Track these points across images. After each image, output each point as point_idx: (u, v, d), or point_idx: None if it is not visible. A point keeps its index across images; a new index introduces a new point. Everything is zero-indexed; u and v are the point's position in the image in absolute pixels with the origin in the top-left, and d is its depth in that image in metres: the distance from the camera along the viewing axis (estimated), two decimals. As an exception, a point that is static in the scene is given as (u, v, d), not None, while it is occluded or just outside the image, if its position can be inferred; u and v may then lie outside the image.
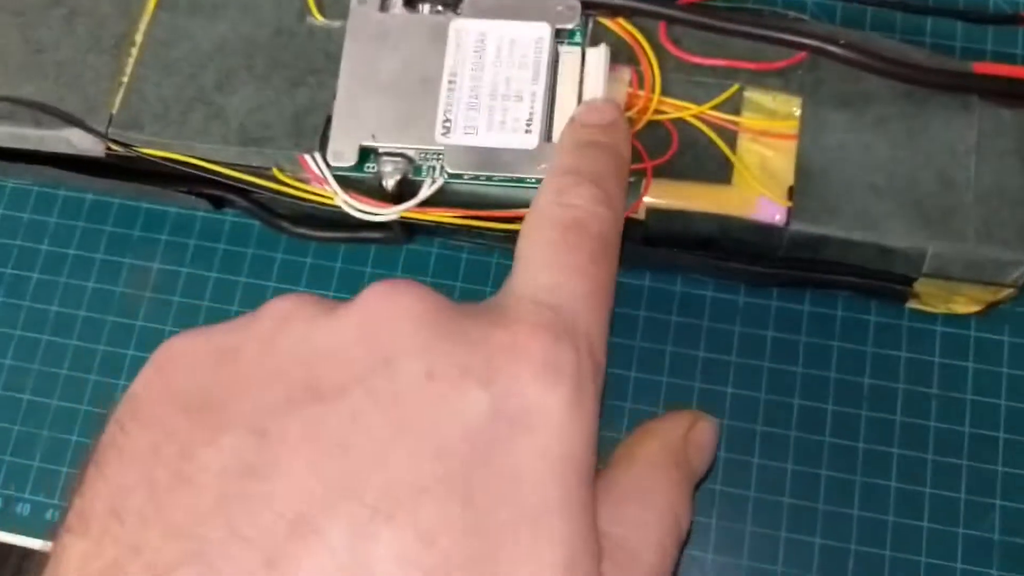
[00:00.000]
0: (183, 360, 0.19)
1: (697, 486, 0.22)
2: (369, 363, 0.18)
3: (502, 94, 0.29)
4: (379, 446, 0.17)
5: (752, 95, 0.30)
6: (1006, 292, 0.30)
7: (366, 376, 0.17)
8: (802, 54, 0.30)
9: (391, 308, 0.18)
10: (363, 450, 0.17)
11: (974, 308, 0.31)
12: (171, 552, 0.16)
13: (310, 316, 0.19)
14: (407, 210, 0.30)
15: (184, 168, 0.31)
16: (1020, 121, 0.30)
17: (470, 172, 0.29)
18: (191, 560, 0.16)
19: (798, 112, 0.30)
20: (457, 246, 0.34)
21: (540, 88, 0.29)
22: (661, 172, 0.30)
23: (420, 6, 0.31)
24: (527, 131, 0.29)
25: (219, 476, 0.17)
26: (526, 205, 0.29)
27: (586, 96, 0.29)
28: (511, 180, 0.29)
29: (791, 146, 0.30)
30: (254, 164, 0.31)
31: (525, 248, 0.21)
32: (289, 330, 0.19)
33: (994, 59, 0.35)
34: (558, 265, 0.20)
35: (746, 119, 0.30)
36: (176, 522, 0.16)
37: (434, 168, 0.30)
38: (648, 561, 0.20)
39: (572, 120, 0.26)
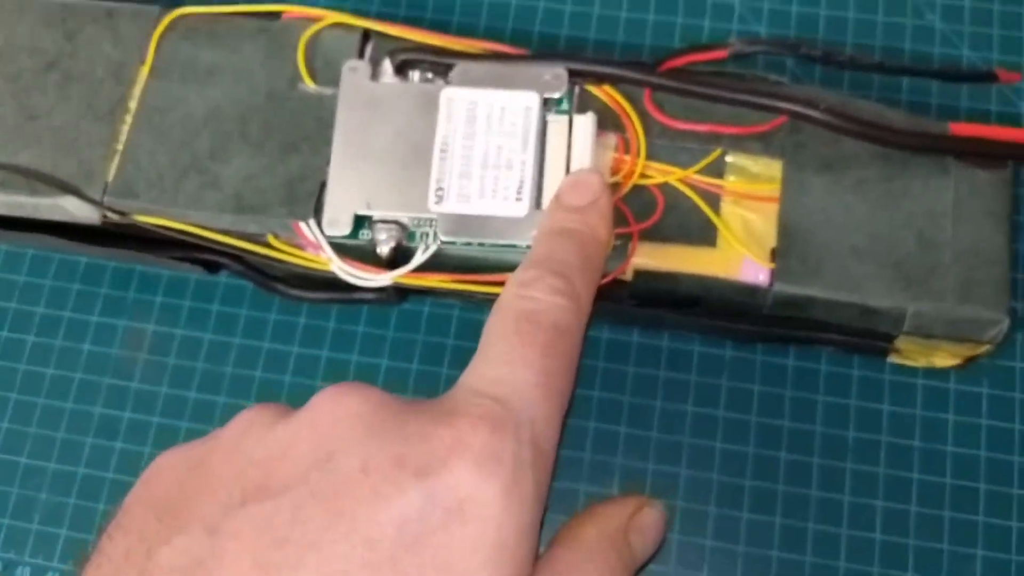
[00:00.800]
0: (164, 472, 0.21)
1: (639, 570, 0.23)
2: (312, 460, 0.19)
3: (493, 162, 0.30)
4: (314, 536, 0.18)
5: (735, 159, 0.31)
6: (984, 348, 0.31)
7: (309, 472, 0.19)
8: (783, 118, 0.31)
9: (337, 409, 0.20)
10: (300, 541, 0.18)
11: (954, 362, 0.32)
12: None
13: (269, 422, 0.21)
14: (401, 276, 0.30)
15: (179, 235, 0.31)
16: (995, 181, 0.31)
17: (462, 239, 0.30)
18: None
19: (779, 175, 0.31)
20: (449, 304, 0.35)
21: (529, 156, 0.30)
22: (647, 235, 0.31)
23: (410, 74, 0.32)
24: (517, 199, 0.30)
25: (171, 573, 0.19)
26: (516, 268, 0.31)
27: (574, 164, 0.30)
28: (502, 246, 0.30)
29: (773, 208, 0.31)
30: (249, 231, 0.31)
31: (483, 340, 0.23)
32: (250, 436, 0.21)
33: (969, 115, 0.36)
34: (507, 357, 0.22)
35: (729, 182, 0.31)
36: None
37: (427, 234, 0.30)
38: None
39: (555, 198, 0.27)
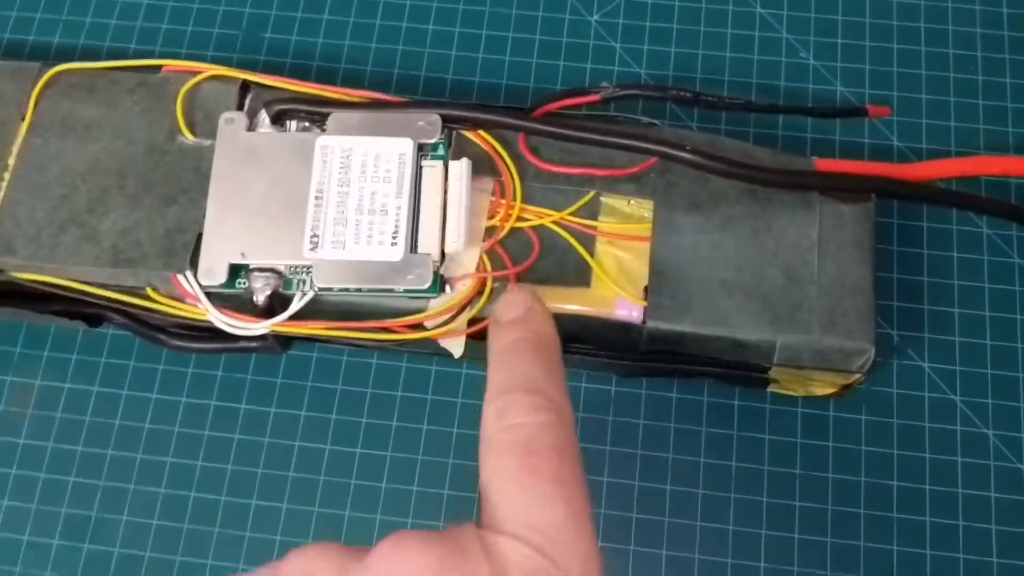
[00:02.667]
0: None
1: None
2: None
3: (368, 208, 0.31)
4: None
5: (608, 200, 0.32)
6: (855, 377, 0.32)
7: None
8: (653, 160, 0.32)
9: (393, 559, 0.20)
10: None
11: (831, 390, 0.33)
12: None
13: (334, 569, 0.21)
14: (278, 324, 0.31)
15: (58, 290, 0.31)
16: (858, 214, 0.32)
17: (339, 285, 0.30)
18: None
19: (651, 215, 0.32)
20: (337, 350, 0.35)
21: (404, 201, 0.31)
22: (525, 276, 0.31)
23: (288, 124, 0.32)
24: (393, 243, 0.30)
25: None
26: (396, 313, 0.31)
27: (451, 208, 0.31)
28: (380, 290, 0.30)
29: (645, 248, 0.31)
30: (127, 284, 0.31)
31: (490, 484, 0.22)
32: None
33: (843, 148, 0.37)
34: (528, 499, 0.22)
35: (602, 223, 0.32)
36: None
37: (304, 281, 0.31)
38: None
39: (494, 321, 0.27)
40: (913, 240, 0.36)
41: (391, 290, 0.30)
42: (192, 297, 0.31)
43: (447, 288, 0.31)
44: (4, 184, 0.32)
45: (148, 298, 0.31)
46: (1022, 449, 0.34)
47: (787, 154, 0.34)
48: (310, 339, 0.32)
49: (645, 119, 0.33)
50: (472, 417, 0.34)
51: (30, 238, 0.32)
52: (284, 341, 0.33)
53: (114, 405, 0.35)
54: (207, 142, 0.33)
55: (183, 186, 0.32)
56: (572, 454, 0.23)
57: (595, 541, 0.22)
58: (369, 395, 0.34)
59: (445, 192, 0.31)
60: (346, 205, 0.31)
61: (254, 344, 0.33)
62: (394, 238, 0.30)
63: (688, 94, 0.34)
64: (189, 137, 0.33)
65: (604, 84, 0.33)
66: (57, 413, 0.34)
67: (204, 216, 0.31)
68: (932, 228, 0.36)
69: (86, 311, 0.33)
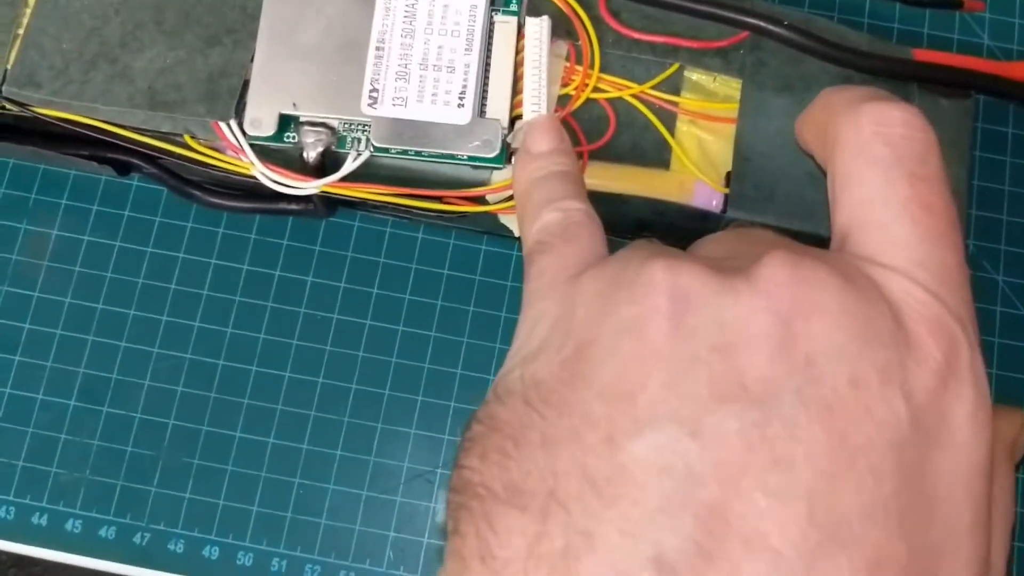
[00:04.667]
0: (595, 343, 0.18)
1: None
2: (789, 362, 0.16)
3: (433, 64, 0.28)
4: (822, 465, 0.16)
5: (692, 75, 0.29)
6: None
7: (789, 378, 0.16)
8: (744, 34, 0.29)
9: (797, 289, 0.17)
10: (807, 469, 0.16)
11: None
12: (630, 553, 0.16)
13: (712, 294, 0.17)
14: (330, 184, 0.28)
15: (86, 131, 0.29)
16: (957, 110, 0.30)
17: (398, 146, 0.28)
18: (655, 568, 0.15)
19: (738, 95, 0.29)
20: (381, 220, 0.32)
21: (474, 59, 0.28)
22: (598, 154, 0.29)
23: (347, -36, 0.29)
24: (460, 105, 0.28)
25: (659, 475, 0.16)
26: (455, 183, 0.29)
27: (528, 72, 0.28)
28: (441, 156, 0.28)
29: (730, 130, 0.29)
30: (163, 130, 0.29)
31: (870, 203, 0.19)
32: (695, 310, 0.17)
33: (930, 43, 0.35)
34: (921, 234, 0.18)
35: (685, 100, 0.29)
36: (630, 520, 0.16)
37: (359, 140, 0.28)
38: (998, 565, 0.19)
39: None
40: (997, 146, 0.34)
41: (454, 156, 0.28)
42: (235, 148, 0.28)
43: (513, 159, 0.28)
44: (28, 10, 0.29)
45: (185, 146, 0.29)
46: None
47: (883, 41, 0.31)
48: (359, 205, 0.30)
49: (733, -10, 0.30)
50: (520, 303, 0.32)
51: (57, 72, 0.29)
52: (330, 205, 0.30)
53: (138, 262, 0.32)
54: (255, -20, 0.29)
55: (228, 26, 0.29)
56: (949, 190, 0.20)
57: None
58: (414, 271, 0.32)
59: (517, 52, 0.28)
60: (410, 58, 0.28)
61: (296, 206, 0.30)
62: (461, 99, 0.28)
63: (784, -36, 0.31)
64: (235, -28, 0.29)
65: (694, -52, 0.30)
66: (75, 267, 0.32)
67: (251, 60, 0.28)
68: (1017, 135, 0.34)
69: (115, 156, 0.30)
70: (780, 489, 0.16)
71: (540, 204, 0.23)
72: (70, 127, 0.29)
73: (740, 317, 0.17)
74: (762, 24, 0.29)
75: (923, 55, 0.30)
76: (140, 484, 0.31)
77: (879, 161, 0.19)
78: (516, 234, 0.29)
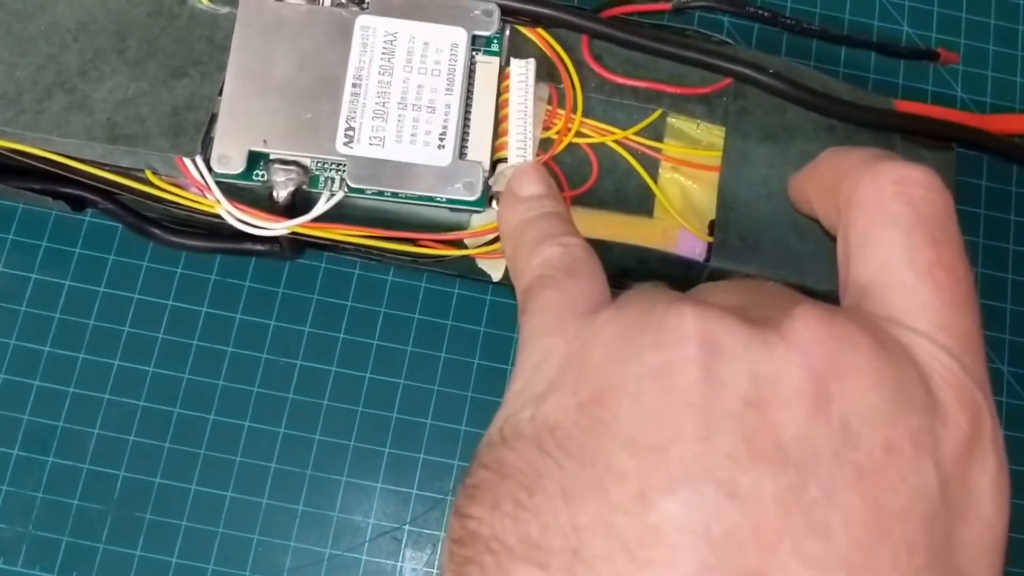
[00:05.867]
0: (621, 385, 0.17)
1: None
2: (826, 424, 0.16)
3: (413, 103, 0.27)
4: (859, 535, 0.15)
5: (675, 121, 0.29)
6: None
7: (827, 440, 0.16)
8: (727, 81, 0.29)
9: (832, 346, 0.16)
10: (844, 538, 0.15)
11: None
12: None
13: (743, 346, 0.16)
14: (301, 225, 0.27)
15: (40, 164, 0.27)
16: (939, 162, 0.30)
17: (374, 187, 0.26)
18: None
19: (721, 142, 0.29)
20: (349, 262, 0.31)
21: (455, 100, 0.27)
22: (581, 200, 0.28)
23: (322, -4, 0.28)
24: (440, 146, 0.26)
25: (694, 538, 0.15)
26: (432, 226, 0.27)
27: (513, 114, 0.27)
28: (419, 198, 0.27)
29: (713, 177, 0.28)
30: (123, 164, 0.27)
31: (892, 266, 0.18)
32: (727, 361, 0.16)
33: (905, 93, 0.35)
34: (946, 299, 0.18)
35: (669, 146, 0.29)
36: None
37: (333, 180, 0.27)
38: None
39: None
40: (971, 198, 0.34)
41: (433, 199, 0.27)
42: (199, 186, 0.27)
43: (493, 203, 0.27)
44: (-21, 34, 0.28)
45: (146, 182, 0.27)
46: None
47: (866, 91, 0.31)
48: (328, 247, 0.28)
49: (716, 36, 0.30)
50: (495, 350, 0.31)
51: (9, 100, 0.27)
52: (297, 246, 0.29)
53: (89, 302, 0.30)
54: (224, 9, 0.28)
55: (195, 57, 0.28)
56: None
57: None
58: (383, 315, 0.31)
59: (499, 93, 0.27)
60: (388, 97, 0.27)
61: (261, 247, 0.29)
62: (441, 140, 0.27)
63: (765, 13, 0.31)
64: (203, 2, 0.28)
65: (677, -8, 0.30)
66: (21, 307, 0.30)
67: (218, 94, 0.27)
68: (991, 188, 0.34)
69: (70, 191, 0.29)
70: (818, 558, 0.15)
71: (538, 240, 0.22)
72: (23, 159, 0.27)
73: (774, 371, 0.16)
74: (746, 72, 0.28)
75: (905, 106, 0.30)
76: (87, 540, 0.29)
77: (900, 221, 0.19)
78: (496, 278, 0.28)
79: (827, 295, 0.28)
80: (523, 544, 0.16)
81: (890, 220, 0.19)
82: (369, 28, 0.27)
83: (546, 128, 0.28)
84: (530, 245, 0.22)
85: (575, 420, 0.17)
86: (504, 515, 0.16)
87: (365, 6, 0.28)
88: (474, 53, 0.28)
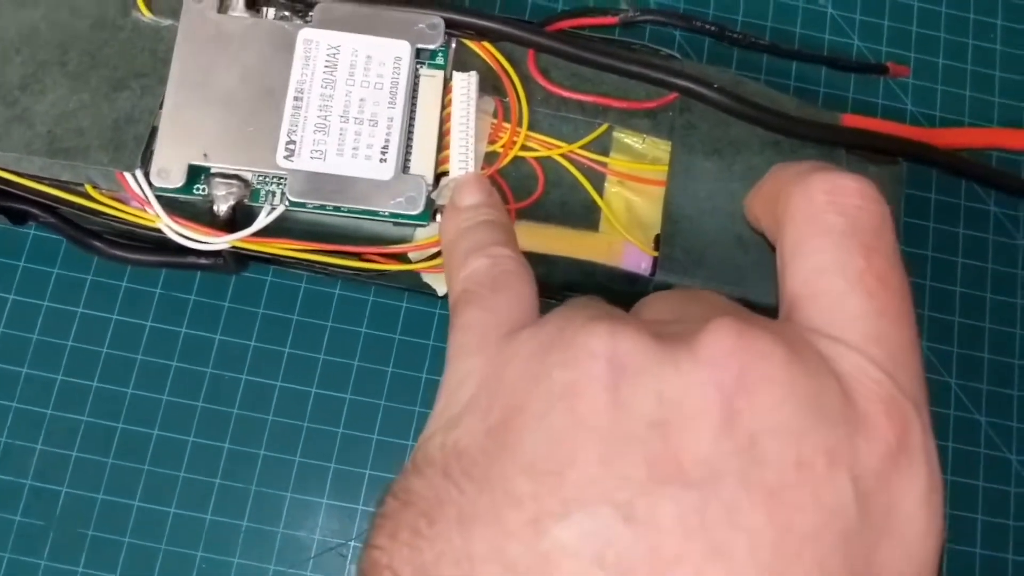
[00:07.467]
0: (520, 416, 0.16)
1: None
2: (732, 442, 0.15)
3: (355, 117, 0.27)
4: (765, 557, 0.15)
5: (621, 136, 0.29)
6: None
7: (733, 459, 0.15)
8: (673, 95, 0.29)
9: (742, 359, 0.16)
10: (748, 561, 0.15)
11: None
12: None
13: (652, 364, 0.16)
14: (241, 239, 0.27)
15: (-22, 177, 0.27)
16: (884, 177, 0.30)
17: (315, 201, 0.26)
18: None
19: (667, 157, 0.29)
20: (295, 275, 0.31)
21: (398, 113, 0.27)
22: (525, 213, 0.28)
23: (264, 9, 0.28)
24: (382, 160, 0.26)
25: (587, 567, 0.15)
26: (375, 239, 0.27)
27: (455, 128, 0.27)
28: (362, 212, 0.27)
29: (659, 192, 0.28)
30: (63, 178, 0.27)
31: (822, 274, 0.18)
32: (634, 381, 0.16)
33: (855, 107, 0.35)
34: (877, 310, 0.18)
35: (614, 160, 0.29)
36: None
37: (274, 194, 0.27)
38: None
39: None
40: (920, 212, 0.34)
41: (375, 213, 0.26)
42: (140, 200, 0.26)
43: (437, 217, 0.27)
44: (-83, 46, 0.27)
45: (87, 196, 0.27)
46: (1012, 438, 0.32)
47: (813, 105, 0.31)
48: (272, 260, 0.28)
49: (664, 50, 0.30)
50: (443, 364, 0.31)
51: (-54, 113, 0.27)
52: (241, 260, 0.29)
53: (32, 317, 0.30)
54: (166, 22, 0.28)
55: (136, 70, 0.27)
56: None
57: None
58: (329, 329, 0.31)
59: (443, 107, 0.27)
60: (330, 110, 0.27)
61: (205, 261, 0.29)
62: (383, 154, 0.26)
63: (713, 27, 0.31)
64: (146, 14, 0.28)
65: (624, 6, 0.30)
66: (-37, 321, 0.30)
67: (159, 107, 0.27)
68: (940, 201, 0.34)
69: (9, 205, 0.28)
70: None
71: (468, 251, 0.22)
72: (-40, 173, 0.27)
73: (680, 390, 0.16)
74: (692, 86, 0.28)
75: (852, 120, 0.30)
76: (28, 557, 0.28)
77: (832, 230, 0.19)
78: (440, 293, 0.28)
79: (771, 309, 0.28)
80: (418, 574, 0.15)
81: (822, 230, 0.19)
82: (312, 41, 0.27)
83: (492, 142, 0.28)
84: (460, 257, 0.22)
85: (481, 445, 0.16)
86: (402, 544, 0.16)
87: (308, 19, 0.28)
88: (419, 66, 0.28)
